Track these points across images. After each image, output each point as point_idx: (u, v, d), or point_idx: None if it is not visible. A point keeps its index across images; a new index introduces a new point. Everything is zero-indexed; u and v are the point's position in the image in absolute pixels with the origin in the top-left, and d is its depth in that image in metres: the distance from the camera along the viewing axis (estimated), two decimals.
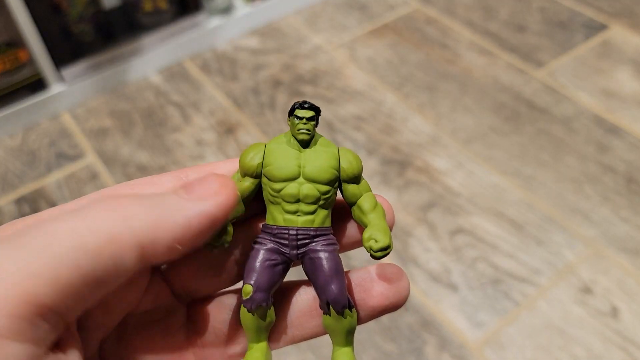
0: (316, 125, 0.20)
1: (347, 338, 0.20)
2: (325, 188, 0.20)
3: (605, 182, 0.78)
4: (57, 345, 0.16)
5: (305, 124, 0.20)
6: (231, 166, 0.21)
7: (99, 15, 0.91)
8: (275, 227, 0.20)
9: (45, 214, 0.19)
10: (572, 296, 0.66)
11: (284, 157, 0.20)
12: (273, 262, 0.20)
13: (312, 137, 0.20)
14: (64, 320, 0.15)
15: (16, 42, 0.86)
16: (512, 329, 0.64)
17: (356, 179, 0.21)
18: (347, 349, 0.20)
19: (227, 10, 1.03)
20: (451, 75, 0.95)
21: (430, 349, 0.63)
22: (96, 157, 0.86)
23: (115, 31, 0.94)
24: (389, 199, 0.78)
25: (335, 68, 0.98)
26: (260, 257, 0.20)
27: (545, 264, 0.69)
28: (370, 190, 0.21)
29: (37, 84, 0.91)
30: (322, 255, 0.20)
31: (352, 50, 1.01)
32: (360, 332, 0.65)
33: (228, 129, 0.89)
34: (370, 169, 0.80)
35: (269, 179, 0.20)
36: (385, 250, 0.19)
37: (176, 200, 0.17)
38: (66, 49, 0.91)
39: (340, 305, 0.20)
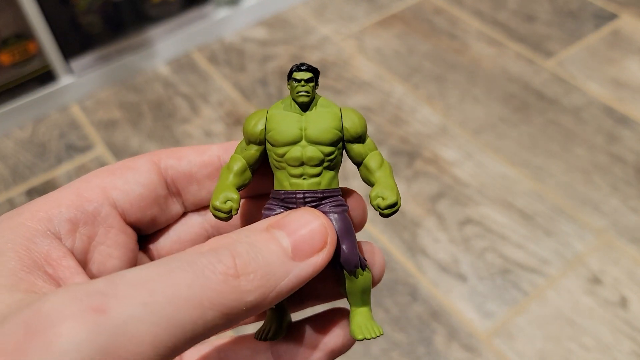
0: (316, 86, 0.20)
1: (363, 298, 0.20)
2: (328, 149, 0.20)
3: (615, 172, 0.77)
4: None
5: (303, 86, 0.20)
6: (207, 157, 0.21)
7: (107, 6, 0.91)
8: (283, 192, 0.20)
9: None
10: (582, 286, 0.67)
11: (285, 121, 0.20)
12: None
13: (312, 98, 0.20)
14: None
15: (25, 34, 0.86)
16: (522, 319, 0.64)
17: (360, 138, 0.20)
18: (363, 309, 0.20)
19: (234, 1, 1.03)
20: (460, 66, 0.94)
21: (440, 339, 0.63)
22: (105, 148, 0.86)
23: (123, 22, 0.94)
24: (398, 190, 0.79)
25: (343, 59, 0.97)
26: None
27: (554, 255, 0.69)
28: (376, 149, 0.21)
29: (46, 76, 0.91)
30: (331, 216, 0.19)
31: (360, 41, 1.01)
32: None
33: (236, 120, 0.89)
34: None
35: (272, 145, 0.20)
36: (393, 207, 0.19)
37: (283, 263, 0.17)
38: (75, 41, 0.91)
39: (351, 265, 0.19)
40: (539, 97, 0.88)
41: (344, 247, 0.19)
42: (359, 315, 0.20)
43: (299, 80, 0.20)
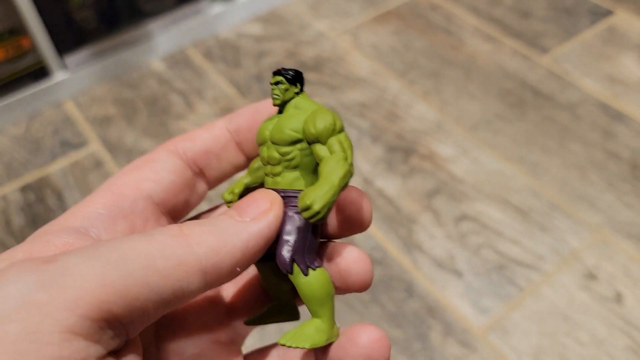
0: (301, 90, 0.20)
1: (312, 308, 0.19)
2: (284, 149, 0.20)
3: (610, 168, 0.78)
4: (117, 353, 0.16)
5: (273, 89, 0.20)
6: (217, 131, 0.23)
7: (101, 1, 0.91)
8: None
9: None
10: (577, 282, 0.67)
11: (264, 124, 0.21)
12: None
13: (283, 101, 0.20)
14: (127, 331, 0.16)
15: (18, 30, 0.86)
16: (517, 314, 0.65)
17: (318, 138, 0.19)
18: (314, 319, 0.19)
19: None
20: (456, 62, 0.94)
21: (435, 335, 0.63)
22: (100, 145, 0.86)
23: (118, 18, 0.94)
24: (393, 186, 0.79)
25: (338, 55, 0.97)
26: None
27: (550, 251, 0.70)
28: (342, 152, 0.19)
29: (40, 72, 0.90)
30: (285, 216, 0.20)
31: (356, 36, 1.01)
32: (366, 318, 0.65)
33: None
34: (374, 156, 0.80)
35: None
36: (315, 216, 0.17)
37: (232, 223, 0.18)
38: (69, 36, 0.91)
39: (282, 267, 0.19)
40: (534, 94, 0.88)
41: (277, 247, 0.19)
42: (307, 325, 0.19)
43: (272, 85, 0.21)
